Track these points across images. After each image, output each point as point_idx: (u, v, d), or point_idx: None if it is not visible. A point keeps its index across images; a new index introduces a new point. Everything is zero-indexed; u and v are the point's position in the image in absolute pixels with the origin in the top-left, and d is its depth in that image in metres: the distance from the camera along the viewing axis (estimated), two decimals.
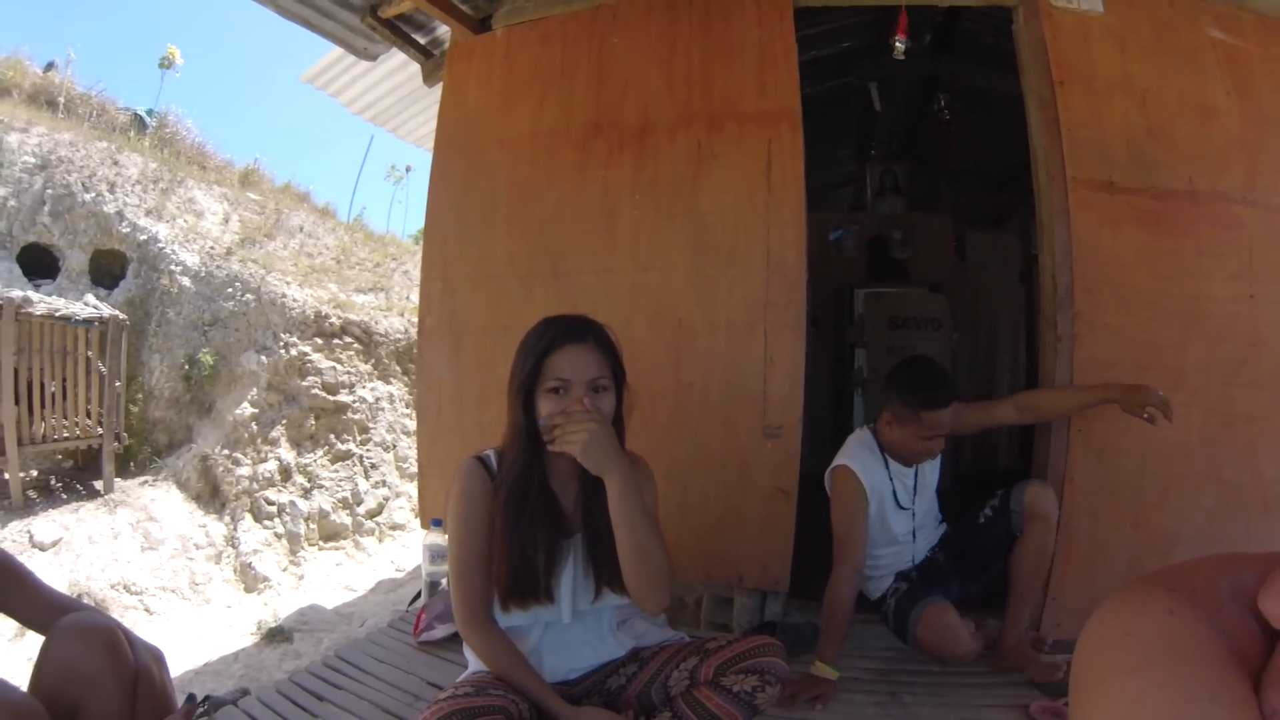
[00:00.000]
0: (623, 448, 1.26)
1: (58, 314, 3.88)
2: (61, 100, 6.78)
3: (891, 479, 1.89)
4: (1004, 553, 1.83)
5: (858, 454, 1.87)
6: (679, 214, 2.27)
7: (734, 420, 2.13)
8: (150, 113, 7.77)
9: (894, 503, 1.90)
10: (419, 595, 2.51)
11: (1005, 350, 4.87)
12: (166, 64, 8.32)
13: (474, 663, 1.28)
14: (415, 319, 5.32)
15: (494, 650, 1.21)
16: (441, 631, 2.07)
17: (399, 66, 3.43)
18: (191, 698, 1.98)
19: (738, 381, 2.12)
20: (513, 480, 1.22)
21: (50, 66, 7.68)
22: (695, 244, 2.23)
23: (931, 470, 1.97)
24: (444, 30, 2.95)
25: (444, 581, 2.30)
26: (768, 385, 2.09)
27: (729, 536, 2.12)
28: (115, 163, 5.52)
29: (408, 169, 11.43)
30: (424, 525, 2.63)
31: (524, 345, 1.25)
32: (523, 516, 1.20)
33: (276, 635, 3.31)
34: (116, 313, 4.31)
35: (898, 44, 2.60)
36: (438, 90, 3.02)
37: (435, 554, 2.36)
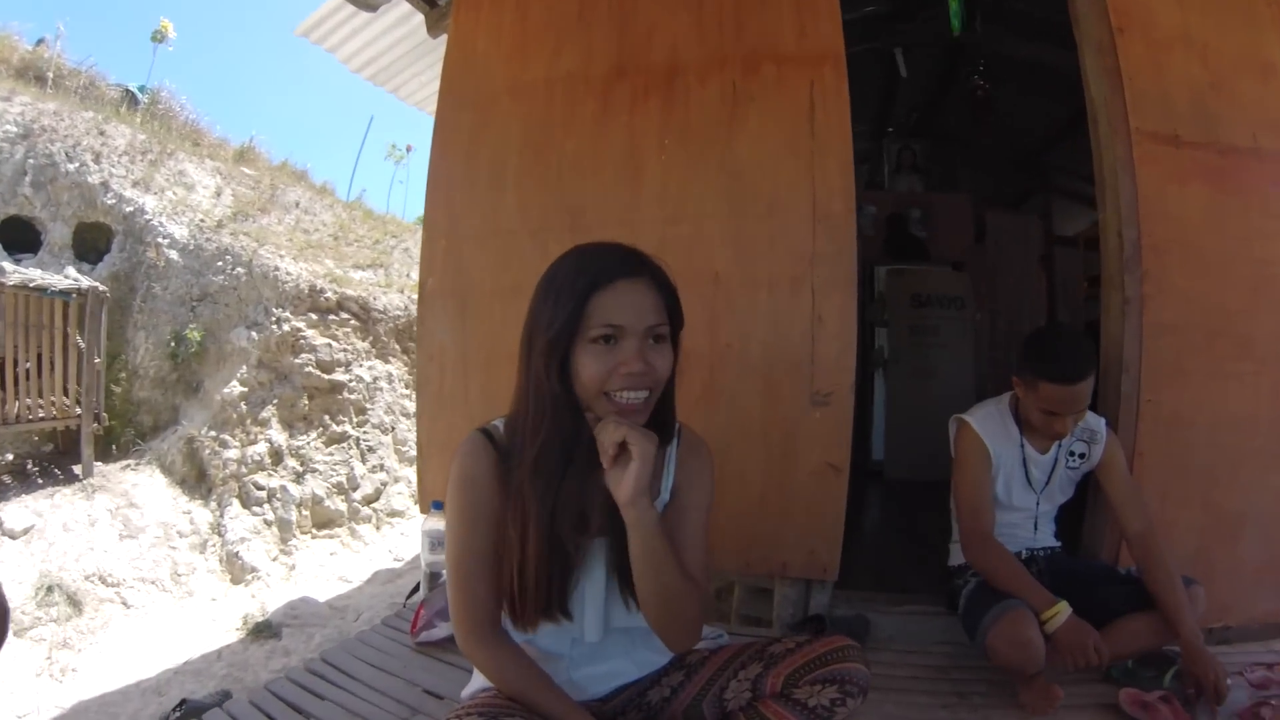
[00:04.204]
0: (673, 415, 1.03)
1: (32, 285, 3.64)
2: (50, 75, 6.52)
3: (1024, 449, 1.73)
4: (1127, 609, 1.60)
5: (986, 415, 1.74)
6: (712, 161, 2.11)
7: (777, 386, 1.94)
8: (142, 89, 7.52)
9: (1023, 475, 1.73)
10: (417, 588, 2.30)
11: (1024, 339, 4.75)
12: (159, 38, 8.05)
13: (481, 676, 1.05)
14: (416, 296, 5.10)
15: (505, 669, 0.98)
16: (443, 630, 1.84)
17: (401, 19, 3.25)
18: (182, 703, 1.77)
19: (781, 343, 1.93)
20: (540, 460, 0.94)
21: (41, 42, 7.44)
22: (731, 193, 2.07)
23: (1069, 475, 1.78)
24: None
25: (445, 573, 2.09)
26: (815, 347, 1.90)
27: (771, 519, 1.92)
28: (101, 133, 5.27)
29: (408, 148, 11.15)
30: (423, 509, 2.45)
31: (553, 283, 0.97)
32: (551, 508, 0.94)
33: (264, 630, 3.09)
34: (96, 284, 4.06)
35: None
36: (442, 47, 2.82)
37: (435, 541, 2.16)
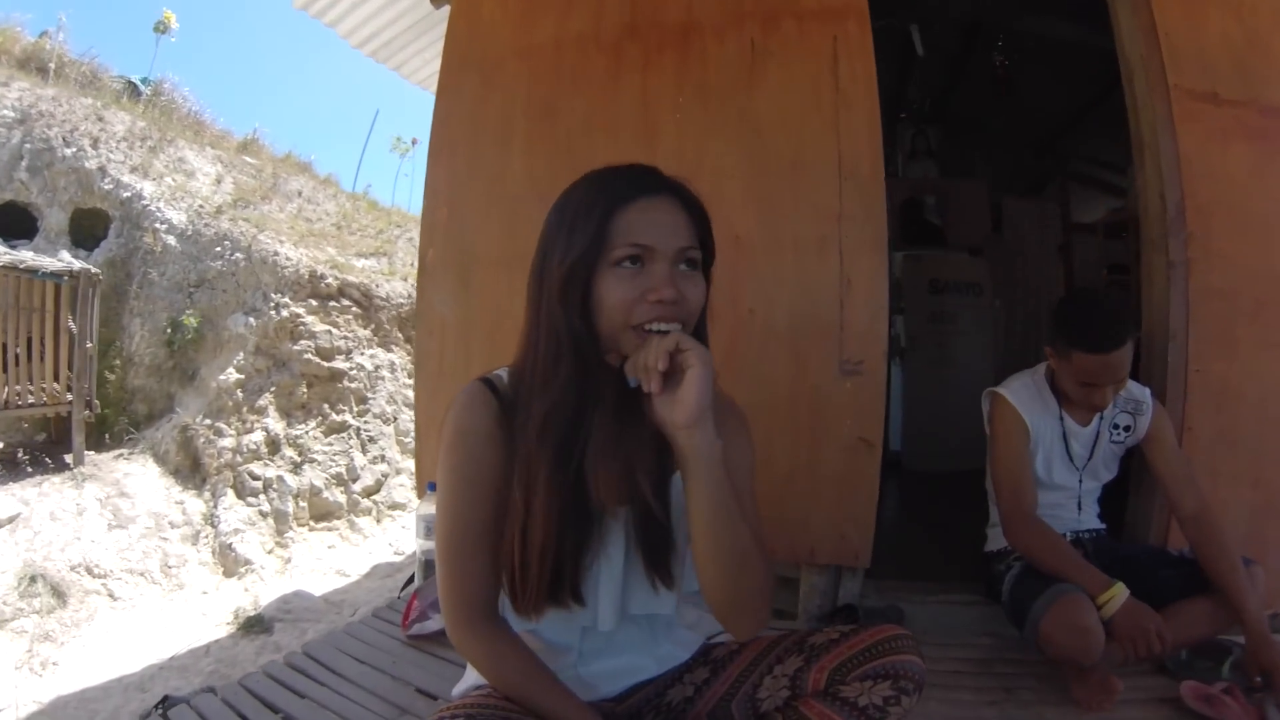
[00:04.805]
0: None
1: (22, 266, 3.53)
2: (52, 66, 6.45)
3: (1063, 422, 1.61)
4: (1183, 594, 1.47)
5: (1021, 387, 1.62)
6: (731, 119, 2.01)
7: (804, 354, 1.81)
8: (145, 81, 7.45)
9: (1064, 449, 1.61)
10: (412, 579, 2.17)
11: (1045, 322, 4.64)
12: (162, 29, 7.99)
13: (474, 670, 0.91)
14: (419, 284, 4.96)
15: (500, 662, 0.83)
16: (437, 623, 1.70)
17: None
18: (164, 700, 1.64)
19: (808, 308, 1.81)
20: (553, 413, 0.80)
21: (44, 34, 7.38)
22: (751, 151, 1.96)
23: (1113, 450, 1.66)
24: None
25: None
26: (845, 312, 1.77)
27: (799, 499, 1.78)
28: (100, 119, 5.18)
29: (413, 141, 11.15)
30: (419, 493, 2.34)
31: (566, 208, 0.84)
32: (566, 470, 0.80)
33: (255, 625, 2.96)
34: (89, 266, 3.95)
35: None
36: (445, 23, 2.71)
37: (430, 526, 2.02)
